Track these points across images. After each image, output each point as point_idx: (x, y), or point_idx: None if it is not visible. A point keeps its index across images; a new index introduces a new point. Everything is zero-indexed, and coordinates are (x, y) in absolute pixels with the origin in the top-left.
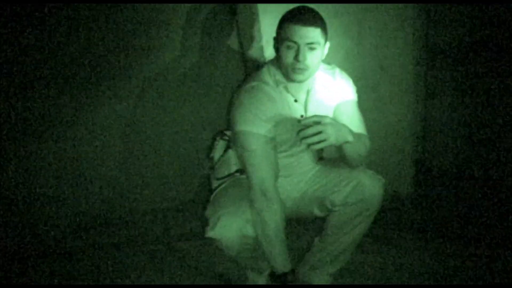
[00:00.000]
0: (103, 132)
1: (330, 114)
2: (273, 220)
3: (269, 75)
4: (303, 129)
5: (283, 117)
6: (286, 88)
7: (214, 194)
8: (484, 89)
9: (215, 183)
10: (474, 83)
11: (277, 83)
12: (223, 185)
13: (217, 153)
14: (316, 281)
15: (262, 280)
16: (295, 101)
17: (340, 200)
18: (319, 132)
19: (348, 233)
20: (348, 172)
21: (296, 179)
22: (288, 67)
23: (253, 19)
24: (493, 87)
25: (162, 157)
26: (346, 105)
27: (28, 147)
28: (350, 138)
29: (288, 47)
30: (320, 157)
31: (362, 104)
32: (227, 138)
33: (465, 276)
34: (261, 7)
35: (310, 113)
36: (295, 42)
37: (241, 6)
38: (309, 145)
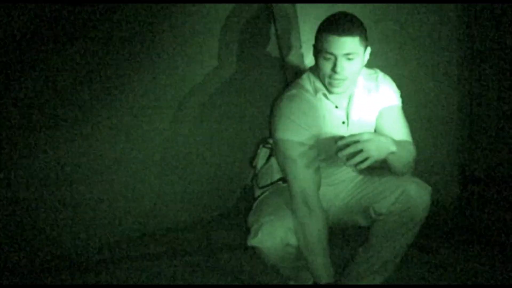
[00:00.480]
0: (143, 144)
1: (373, 120)
2: (315, 229)
3: (309, 82)
4: (342, 149)
5: (324, 125)
6: (325, 95)
7: (256, 202)
8: None
9: (257, 192)
10: None
11: (316, 90)
12: (265, 193)
13: (260, 161)
14: None
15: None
16: (336, 107)
17: (384, 208)
18: (361, 151)
19: (393, 243)
20: (393, 180)
21: (339, 187)
22: (326, 78)
23: (292, 26)
24: None
25: (202, 167)
26: (389, 111)
27: (65, 158)
28: (393, 148)
29: (325, 58)
30: None
31: (405, 110)
32: (269, 146)
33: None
34: (300, 13)
35: (352, 119)
36: (331, 54)
37: (279, 13)
38: (355, 165)
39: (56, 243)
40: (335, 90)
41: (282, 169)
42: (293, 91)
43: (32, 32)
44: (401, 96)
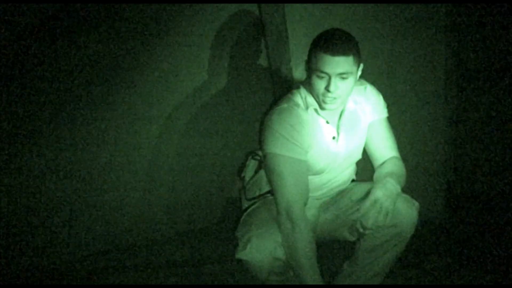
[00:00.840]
0: (128, 156)
1: (363, 134)
2: (301, 243)
3: (300, 97)
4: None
5: (315, 140)
6: (316, 111)
7: (244, 215)
8: None
9: (245, 204)
10: (506, 105)
11: (307, 106)
12: (254, 206)
13: (248, 173)
14: None
15: None
16: (327, 122)
17: (372, 223)
18: (379, 209)
19: (379, 258)
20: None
21: (328, 201)
22: (319, 96)
23: (282, 40)
24: None
25: (189, 178)
26: (378, 124)
27: (52, 166)
28: (399, 189)
29: (319, 77)
30: (352, 179)
31: (394, 127)
32: (258, 158)
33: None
34: (290, 27)
35: (342, 134)
36: (325, 73)
37: (269, 26)
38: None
39: (39, 253)
40: (327, 107)
41: (270, 183)
42: (284, 105)
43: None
44: (389, 113)
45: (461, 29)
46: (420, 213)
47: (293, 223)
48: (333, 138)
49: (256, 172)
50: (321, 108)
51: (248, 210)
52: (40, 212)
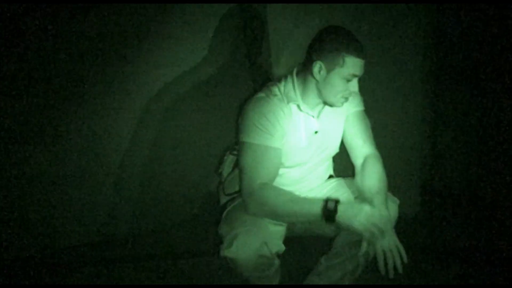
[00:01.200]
0: (106, 148)
1: (341, 127)
2: (274, 202)
3: (279, 90)
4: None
5: (295, 134)
6: (299, 107)
7: (227, 210)
8: (494, 111)
9: (223, 199)
10: (483, 104)
11: (288, 100)
12: (236, 202)
13: (226, 169)
14: None
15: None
16: (313, 117)
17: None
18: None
19: (355, 255)
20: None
21: (309, 195)
22: (338, 96)
23: (262, 36)
24: (502, 108)
25: (166, 173)
26: (355, 116)
27: (32, 158)
28: (387, 213)
29: (346, 79)
30: (330, 175)
31: (372, 125)
32: (236, 153)
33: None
34: (271, 24)
35: (324, 128)
36: (355, 76)
37: (250, 23)
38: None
39: (19, 246)
40: (341, 104)
41: (240, 169)
42: (262, 95)
43: None
44: (367, 113)
45: (439, 29)
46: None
47: (257, 189)
48: (315, 132)
49: (234, 167)
50: (334, 106)
51: (230, 207)
52: (16, 206)
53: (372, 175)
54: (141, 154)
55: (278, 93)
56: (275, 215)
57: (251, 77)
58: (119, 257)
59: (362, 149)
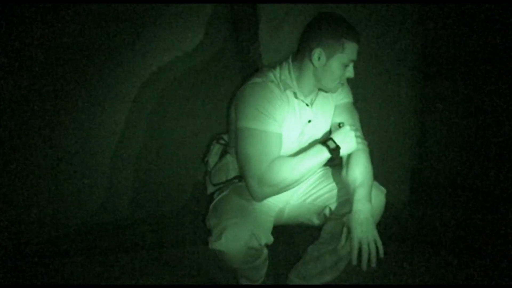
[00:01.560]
0: (96, 138)
1: (331, 115)
2: (286, 161)
3: (274, 77)
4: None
5: (290, 121)
6: (295, 94)
7: (214, 202)
8: (480, 99)
9: (211, 189)
10: (470, 93)
11: (285, 87)
12: (225, 193)
13: (212, 158)
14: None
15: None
16: (306, 105)
17: (341, 211)
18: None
19: (348, 241)
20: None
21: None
22: (335, 82)
23: (251, 26)
24: (489, 97)
25: (155, 162)
26: (344, 107)
27: (25, 150)
28: (370, 208)
29: (346, 64)
30: None
31: (360, 114)
32: (223, 142)
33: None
34: (260, 13)
35: (316, 116)
36: (353, 60)
37: (239, 13)
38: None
39: (8, 234)
40: (337, 89)
41: (238, 157)
42: (258, 80)
43: None
44: (355, 102)
45: (427, 26)
46: (387, 199)
47: (266, 172)
48: (309, 121)
49: (221, 156)
50: (331, 92)
51: (218, 198)
52: (6, 193)
53: (356, 167)
54: (131, 145)
55: (274, 79)
56: (292, 185)
57: (241, 67)
58: (109, 246)
59: None
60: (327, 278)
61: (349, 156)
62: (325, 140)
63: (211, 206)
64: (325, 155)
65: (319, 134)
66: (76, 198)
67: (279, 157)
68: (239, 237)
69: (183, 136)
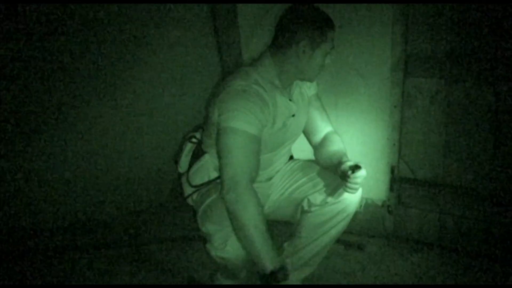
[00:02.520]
0: (74, 136)
1: (307, 104)
2: (247, 214)
3: (262, 79)
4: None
5: (275, 118)
6: (281, 92)
7: (204, 205)
8: (461, 97)
9: (188, 190)
10: (451, 91)
11: (271, 87)
12: (214, 196)
13: (183, 158)
14: None
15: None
16: (290, 100)
17: (320, 200)
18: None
19: (323, 235)
20: (328, 172)
21: (274, 180)
22: (316, 72)
23: (232, 22)
24: (470, 95)
25: (133, 159)
26: (315, 98)
27: (15, 147)
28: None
29: (328, 53)
30: (290, 155)
31: (340, 110)
32: (195, 141)
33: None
34: (240, 10)
35: (298, 107)
36: (333, 48)
37: (220, 8)
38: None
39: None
40: (314, 80)
41: (219, 156)
42: (242, 83)
43: None
44: (335, 97)
45: (407, 19)
46: (363, 196)
47: (238, 194)
48: (293, 115)
49: (194, 155)
50: (310, 81)
51: (208, 201)
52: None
53: (334, 143)
54: (109, 141)
55: (258, 79)
56: (236, 226)
57: (220, 64)
58: (86, 243)
59: (323, 128)
60: (307, 270)
61: (322, 139)
62: (282, 268)
63: (200, 210)
64: (266, 264)
65: (300, 125)
66: (52, 195)
67: (255, 196)
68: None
69: (160, 133)
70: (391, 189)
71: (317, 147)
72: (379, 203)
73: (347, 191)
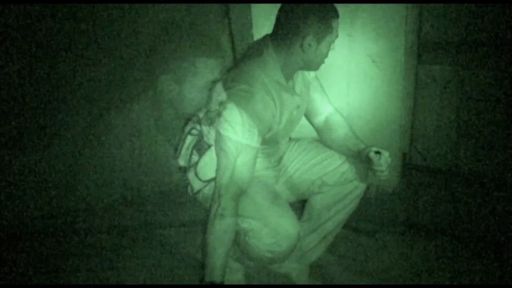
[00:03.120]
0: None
1: (309, 90)
2: (222, 225)
3: (268, 78)
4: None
5: (282, 118)
6: (285, 89)
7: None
8: (474, 85)
9: (197, 185)
10: (464, 78)
11: (277, 88)
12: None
13: (185, 151)
14: (295, 274)
15: (239, 273)
16: (295, 93)
17: (333, 180)
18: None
19: (336, 214)
20: (337, 153)
21: (280, 165)
22: (323, 60)
23: (246, 21)
24: (483, 82)
25: (144, 144)
26: (315, 81)
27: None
28: None
29: (332, 42)
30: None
31: (352, 97)
32: (196, 133)
33: (445, 272)
34: (254, 9)
35: (303, 97)
36: (337, 36)
37: (234, 8)
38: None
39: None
40: (318, 69)
41: (217, 155)
42: (245, 88)
43: None
44: (349, 84)
45: (421, 6)
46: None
47: (220, 205)
48: (298, 107)
49: (199, 149)
50: (315, 70)
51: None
52: None
53: (341, 125)
54: (122, 124)
55: (264, 79)
56: (208, 230)
57: (232, 48)
58: (98, 226)
59: (325, 109)
60: (311, 259)
61: (327, 120)
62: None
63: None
64: (208, 275)
65: (304, 110)
66: (64, 180)
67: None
68: (290, 233)
69: (173, 117)
70: (402, 176)
71: (323, 130)
72: (390, 190)
73: (379, 176)
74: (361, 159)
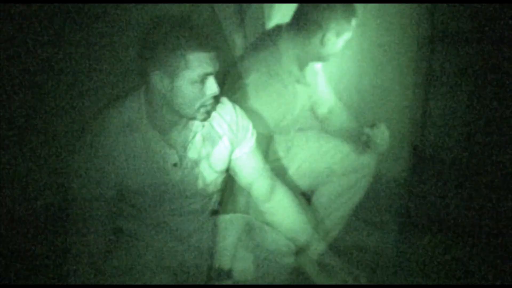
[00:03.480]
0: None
1: (316, 78)
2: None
3: (282, 69)
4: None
5: (296, 108)
6: (298, 80)
7: None
8: (487, 77)
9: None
10: (476, 70)
11: (290, 79)
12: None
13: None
14: (307, 263)
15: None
16: (307, 86)
17: (343, 169)
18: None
19: (348, 201)
20: (347, 141)
21: (290, 153)
22: (335, 53)
23: (259, 23)
24: (495, 74)
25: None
26: (321, 72)
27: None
28: None
29: (348, 39)
30: None
31: (364, 87)
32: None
33: (454, 266)
34: (267, 10)
35: (313, 86)
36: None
37: (247, 9)
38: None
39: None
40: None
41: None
42: (263, 70)
43: None
44: (360, 74)
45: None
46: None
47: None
48: (310, 97)
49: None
50: (326, 61)
51: None
52: None
53: (344, 116)
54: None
55: (278, 70)
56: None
57: (244, 36)
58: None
59: (328, 99)
60: (334, 233)
61: (331, 111)
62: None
63: None
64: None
65: (310, 103)
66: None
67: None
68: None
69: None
70: (413, 168)
71: (327, 119)
72: (401, 182)
73: (378, 148)
74: (361, 140)
